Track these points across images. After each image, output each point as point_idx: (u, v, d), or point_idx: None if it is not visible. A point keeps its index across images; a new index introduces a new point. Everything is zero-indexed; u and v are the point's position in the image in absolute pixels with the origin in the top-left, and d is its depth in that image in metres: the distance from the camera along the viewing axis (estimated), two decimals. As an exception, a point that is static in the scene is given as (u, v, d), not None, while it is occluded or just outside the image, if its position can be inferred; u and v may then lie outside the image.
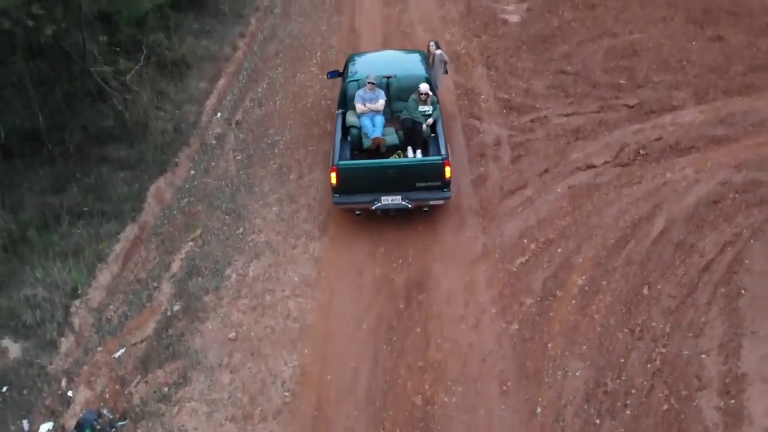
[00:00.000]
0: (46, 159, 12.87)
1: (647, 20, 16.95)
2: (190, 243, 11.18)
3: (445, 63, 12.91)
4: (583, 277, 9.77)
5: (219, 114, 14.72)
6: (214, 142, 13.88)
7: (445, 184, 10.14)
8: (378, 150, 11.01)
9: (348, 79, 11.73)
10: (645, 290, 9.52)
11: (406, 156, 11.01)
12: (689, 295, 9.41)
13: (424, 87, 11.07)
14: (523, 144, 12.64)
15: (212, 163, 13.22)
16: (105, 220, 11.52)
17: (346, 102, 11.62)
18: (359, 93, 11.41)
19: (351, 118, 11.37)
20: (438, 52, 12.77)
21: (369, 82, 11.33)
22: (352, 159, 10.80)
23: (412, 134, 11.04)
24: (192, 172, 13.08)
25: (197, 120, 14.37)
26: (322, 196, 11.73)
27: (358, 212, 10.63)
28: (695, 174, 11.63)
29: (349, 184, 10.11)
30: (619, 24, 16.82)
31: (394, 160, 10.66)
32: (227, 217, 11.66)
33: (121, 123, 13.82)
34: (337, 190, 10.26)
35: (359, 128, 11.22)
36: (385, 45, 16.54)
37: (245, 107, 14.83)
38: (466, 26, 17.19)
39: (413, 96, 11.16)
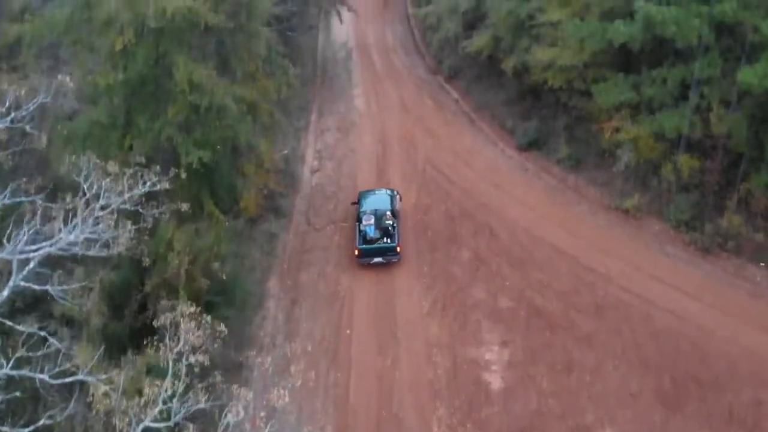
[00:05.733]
0: None
1: (619, 395, 18.44)
2: None
3: (400, 199, 26.21)
4: None
5: None
6: None
7: (397, 254, 23.86)
8: (372, 241, 23.98)
9: (360, 210, 25.20)
10: None
11: (383, 242, 24.07)
12: None
13: (388, 213, 24.71)
14: None
15: None
16: None
17: (359, 219, 24.65)
18: (364, 216, 24.55)
19: (361, 227, 24.32)
20: (397, 197, 26.10)
21: (366, 213, 24.70)
22: (363, 244, 23.96)
23: (384, 233, 24.21)
24: None
25: None
26: None
27: (366, 264, 23.97)
28: None
29: (362, 254, 23.84)
30: (591, 404, 18.34)
31: (378, 245, 23.94)
32: None
33: None
34: (358, 257, 23.91)
35: (365, 231, 24.13)
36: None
37: None
38: (451, 402, 18.84)
39: (383, 216, 24.49)
